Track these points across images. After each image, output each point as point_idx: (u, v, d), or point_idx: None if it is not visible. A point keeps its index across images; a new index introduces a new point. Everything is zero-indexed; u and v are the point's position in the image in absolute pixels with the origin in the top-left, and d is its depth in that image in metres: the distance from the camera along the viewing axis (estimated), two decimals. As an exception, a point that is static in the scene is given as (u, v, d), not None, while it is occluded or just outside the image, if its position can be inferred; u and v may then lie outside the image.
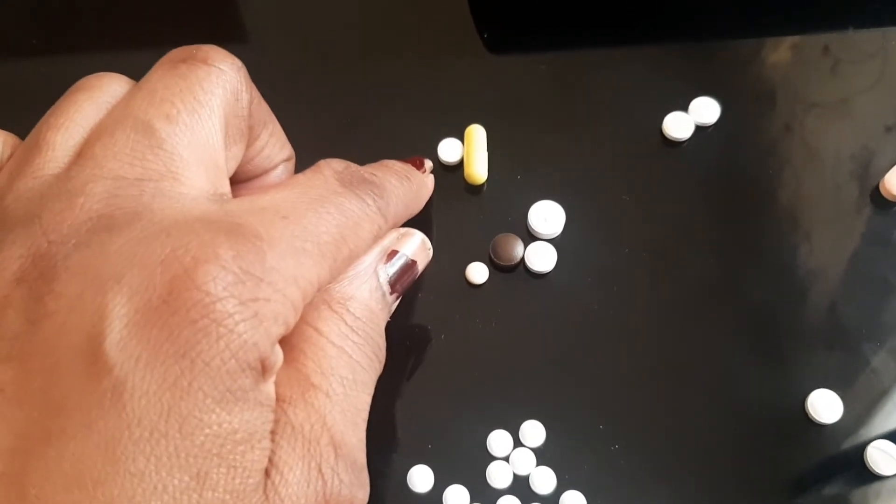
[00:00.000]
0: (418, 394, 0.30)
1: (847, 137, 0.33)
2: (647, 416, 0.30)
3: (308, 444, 0.18)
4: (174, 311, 0.16)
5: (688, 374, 0.30)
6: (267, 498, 0.17)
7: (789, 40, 0.35)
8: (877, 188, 0.33)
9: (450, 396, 0.30)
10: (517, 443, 0.29)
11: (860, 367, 0.30)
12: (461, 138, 0.34)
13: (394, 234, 0.23)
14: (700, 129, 0.34)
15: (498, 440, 0.29)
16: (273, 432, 0.18)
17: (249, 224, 0.18)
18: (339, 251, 0.19)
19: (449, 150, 0.34)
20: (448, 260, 0.32)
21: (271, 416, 0.18)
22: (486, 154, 0.33)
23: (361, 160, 0.34)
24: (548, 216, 0.32)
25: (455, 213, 0.33)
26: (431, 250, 0.25)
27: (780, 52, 0.35)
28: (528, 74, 0.35)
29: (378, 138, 0.34)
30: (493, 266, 0.32)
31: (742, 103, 0.34)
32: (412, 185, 0.24)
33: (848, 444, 0.29)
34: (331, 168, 0.21)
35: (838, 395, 0.30)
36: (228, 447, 0.16)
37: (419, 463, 0.29)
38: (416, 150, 0.34)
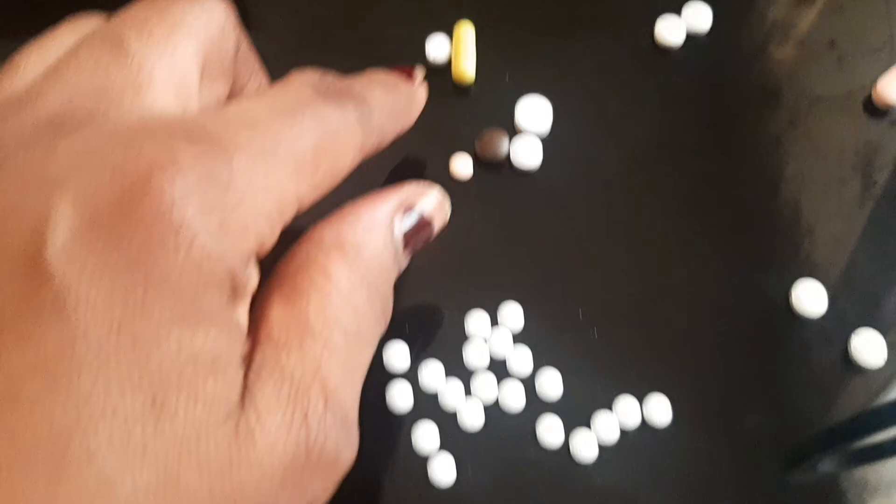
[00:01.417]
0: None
1: (851, 131, 0.33)
2: (628, 306, 0.30)
3: (296, 390, 0.16)
4: (125, 217, 0.14)
5: (670, 267, 0.30)
6: (237, 437, 0.15)
7: (795, 35, 0.35)
8: (870, 98, 0.33)
9: (430, 280, 0.30)
10: (495, 323, 0.29)
11: (844, 260, 0.30)
12: (450, 34, 0.34)
13: (413, 187, 0.21)
14: (692, 38, 0.34)
15: (476, 320, 0.29)
16: (254, 368, 0.16)
17: (214, 129, 0.16)
18: (317, 163, 0.17)
19: (437, 47, 0.34)
20: (433, 155, 0.32)
21: (242, 344, 0.16)
22: (474, 52, 0.33)
23: (346, 61, 0.34)
24: (535, 111, 0.32)
25: (442, 111, 0.33)
26: (449, 211, 0.23)
27: (787, 47, 0.35)
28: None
29: (364, 36, 0.35)
30: (479, 162, 0.32)
31: (735, 11, 0.34)
32: (399, 97, 0.22)
33: (832, 335, 0.29)
34: (305, 77, 0.19)
35: (823, 286, 0.29)
36: (190, 373, 0.14)
37: (395, 339, 0.29)
38: (404, 47, 0.34)
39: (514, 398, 0.28)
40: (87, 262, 0.14)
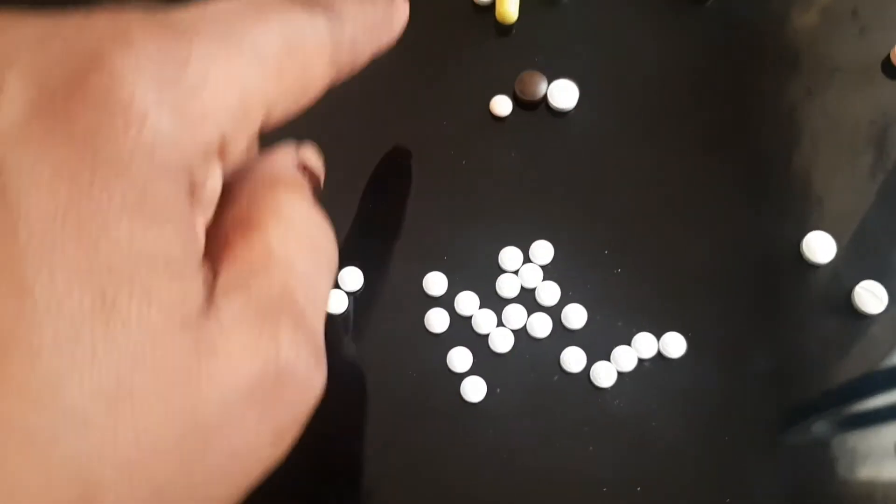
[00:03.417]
0: (436, 208, 0.32)
1: (867, 103, 0.34)
2: (650, 247, 0.32)
3: (265, 309, 0.15)
4: (74, 93, 0.13)
5: (691, 211, 0.32)
6: (198, 349, 0.14)
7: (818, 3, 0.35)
8: (888, 58, 0.34)
9: (466, 213, 0.32)
10: (527, 259, 0.31)
11: (852, 229, 0.32)
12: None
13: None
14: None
15: (509, 255, 0.31)
16: (220, 285, 0.15)
17: (173, 17, 0.15)
18: (283, 65, 0.16)
19: (483, -11, 0.35)
20: (473, 93, 0.34)
21: (199, 252, 0.15)
22: (518, -5, 0.34)
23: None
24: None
25: (483, 51, 0.34)
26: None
27: (809, 14, 0.35)
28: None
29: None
30: (517, 102, 0.34)
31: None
32: (377, 10, 0.21)
33: (838, 283, 0.31)
34: None
35: (833, 237, 0.31)
36: (143, 271, 0.13)
37: (435, 270, 0.31)
38: (451, -14, 0.35)
39: (541, 326, 0.30)
40: (31, 142, 0.13)
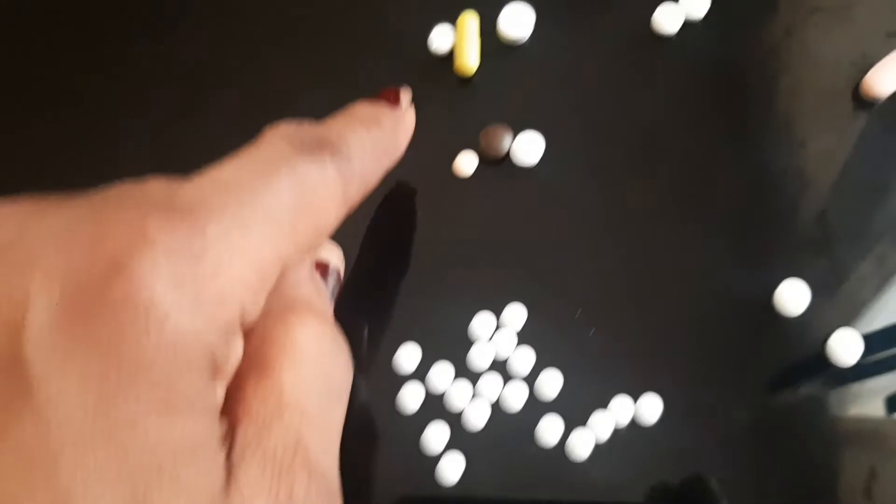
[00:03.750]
0: (406, 278, 0.32)
1: (848, 43, 0.33)
2: (623, 303, 0.31)
3: (279, 468, 0.16)
4: (96, 299, 0.14)
5: (664, 262, 0.32)
6: None
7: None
8: (857, 88, 0.34)
9: (436, 281, 0.32)
10: (500, 324, 0.31)
11: (826, 262, 0.32)
12: (455, 24, 0.34)
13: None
14: (689, 25, 0.34)
15: (482, 322, 0.31)
16: (237, 450, 0.16)
17: (186, 198, 0.16)
18: (297, 222, 0.17)
19: (441, 38, 0.34)
20: (435, 151, 0.33)
21: (220, 425, 0.16)
22: (477, 43, 0.33)
23: (349, 52, 0.34)
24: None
25: (444, 104, 0.33)
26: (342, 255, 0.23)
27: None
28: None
29: (366, 27, 0.34)
30: (481, 158, 0.33)
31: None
32: (383, 132, 0.21)
33: (810, 335, 0.31)
34: (278, 133, 0.18)
35: (806, 287, 0.31)
36: (170, 464, 0.14)
37: (405, 343, 0.31)
38: (406, 38, 0.34)
39: (515, 398, 0.30)
40: (58, 348, 0.13)
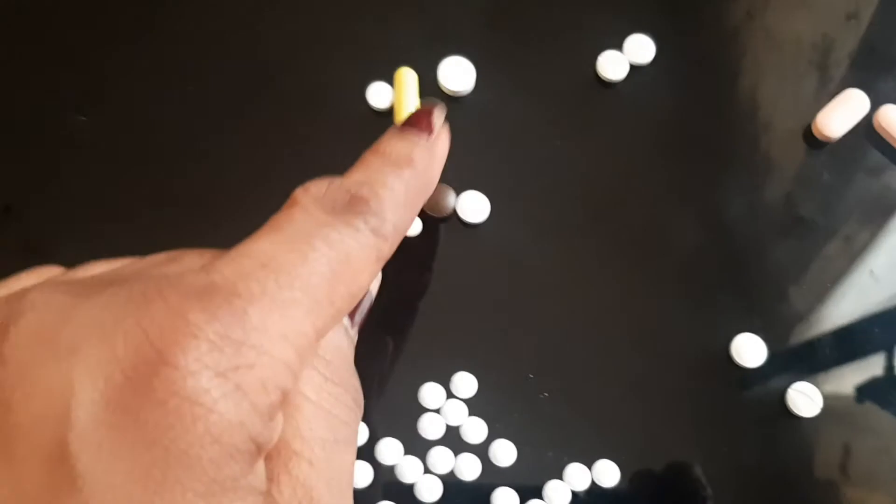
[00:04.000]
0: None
1: (807, 26, 0.33)
2: (576, 363, 0.30)
3: None
4: (140, 393, 0.14)
5: (617, 321, 0.31)
6: None
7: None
8: (809, 128, 0.33)
9: (381, 350, 0.30)
10: (449, 394, 0.30)
11: (784, 312, 0.31)
12: (391, 82, 0.33)
13: None
14: (635, 69, 0.33)
15: (430, 392, 0.30)
16: None
17: (224, 281, 0.15)
18: (334, 292, 0.17)
19: (378, 94, 0.33)
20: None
21: (262, 503, 0.15)
22: (417, 99, 0.32)
23: (287, 113, 0.33)
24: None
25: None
26: (381, 272, 0.21)
27: None
28: (458, 9, 0.34)
29: (303, 87, 0.33)
30: (425, 217, 0.32)
31: (678, 40, 0.34)
32: (416, 172, 0.19)
33: (770, 386, 0.30)
34: (309, 195, 0.18)
35: (762, 339, 0.30)
36: None
37: (352, 417, 0.30)
38: (344, 96, 0.33)
39: (468, 469, 0.29)
40: (103, 442, 0.14)
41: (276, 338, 0.15)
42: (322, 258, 0.16)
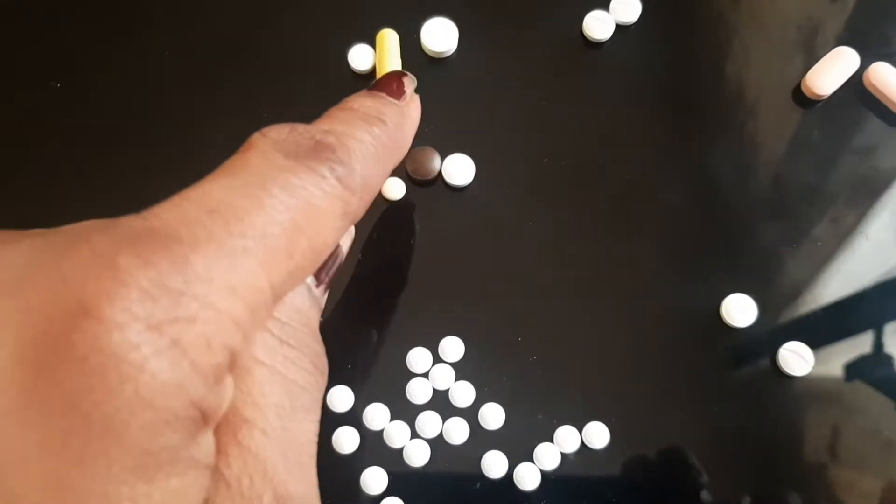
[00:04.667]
0: (335, 314, 0.30)
1: (793, 7, 0.33)
2: (564, 326, 0.30)
3: None
4: (56, 347, 0.12)
5: (605, 283, 0.30)
6: None
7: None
8: (798, 87, 0.33)
9: (368, 316, 0.30)
10: (436, 359, 0.29)
11: (775, 271, 0.30)
12: (373, 44, 0.32)
13: None
14: (621, 29, 0.33)
15: (417, 357, 0.29)
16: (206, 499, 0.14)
17: (164, 225, 0.13)
18: (293, 245, 0.15)
19: (360, 57, 0.32)
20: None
21: (206, 478, 0.14)
22: (399, 61, 0.32)
23: (267, 77, 0.32)
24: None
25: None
26: (353, 228, 0.20)
27: None
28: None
29: (283, 50, 0.33)
30: (410, 180, 0.31)
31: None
32: (387, 129, 0.18)
33: (761, 346, 0.30)
34: (268, 139, 0.16)
35: (753, 299, 0.30)
36: None
37: (339, 384, 0.29)
38: (325, 58, 0.32)
39: (458, 432, 0.29)
40: (13, 410, 0.12)
41: (223, 290, 0.13)
42: (280, 206, 0.15)
